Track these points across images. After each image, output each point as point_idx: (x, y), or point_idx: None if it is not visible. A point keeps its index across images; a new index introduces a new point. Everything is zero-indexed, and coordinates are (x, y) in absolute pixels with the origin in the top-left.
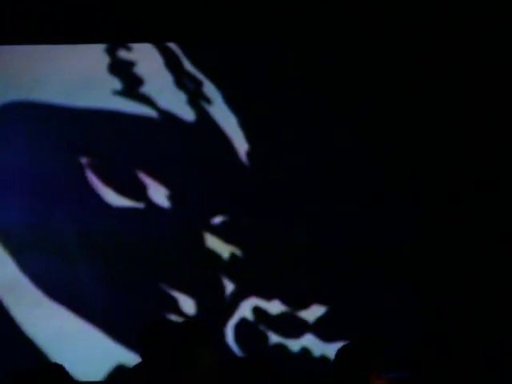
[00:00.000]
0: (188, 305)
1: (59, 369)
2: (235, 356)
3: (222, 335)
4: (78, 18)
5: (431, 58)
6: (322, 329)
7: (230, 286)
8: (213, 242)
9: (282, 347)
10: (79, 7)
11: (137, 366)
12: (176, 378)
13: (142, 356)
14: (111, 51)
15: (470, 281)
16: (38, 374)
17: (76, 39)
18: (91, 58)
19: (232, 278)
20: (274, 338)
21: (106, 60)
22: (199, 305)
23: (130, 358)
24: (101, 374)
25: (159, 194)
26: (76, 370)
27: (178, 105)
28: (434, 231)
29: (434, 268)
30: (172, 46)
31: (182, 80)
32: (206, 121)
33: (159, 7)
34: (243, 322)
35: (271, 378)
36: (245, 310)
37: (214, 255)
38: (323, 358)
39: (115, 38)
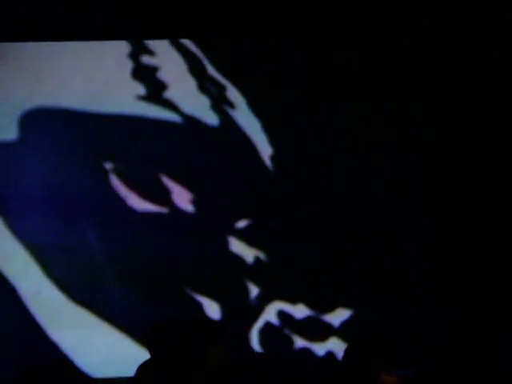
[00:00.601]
0: (213, 309)
1: (67, 364)
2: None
3: (247, 339)
4: (101, 16)
5: (436, 58)
6: (347, 332)
7: (254, 290)
8: (237, 246)
9: (307, 351)
10: (104, 6)
11: (145, 364)
12: (186, 377)
13: (151, 354)
14: (134, 56)
15: (480, 282)
16: (46, 370)
17: (98, 37)
18: (114, 63)
19: (256, 282)
20: (299, 342)
21: (129, 65)
22: (224, 309)
23: None
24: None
25: (183, 199)
26: (100, 374)
27: (201, 109)
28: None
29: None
30: (195, 50)
31: (206, 84)
32: (229, 125)
33: (182, 9)
34: (268, 325)
35: (281, 376)
36: (270, 313)
37: (238, 259)
38: None
39: (138, 36)
